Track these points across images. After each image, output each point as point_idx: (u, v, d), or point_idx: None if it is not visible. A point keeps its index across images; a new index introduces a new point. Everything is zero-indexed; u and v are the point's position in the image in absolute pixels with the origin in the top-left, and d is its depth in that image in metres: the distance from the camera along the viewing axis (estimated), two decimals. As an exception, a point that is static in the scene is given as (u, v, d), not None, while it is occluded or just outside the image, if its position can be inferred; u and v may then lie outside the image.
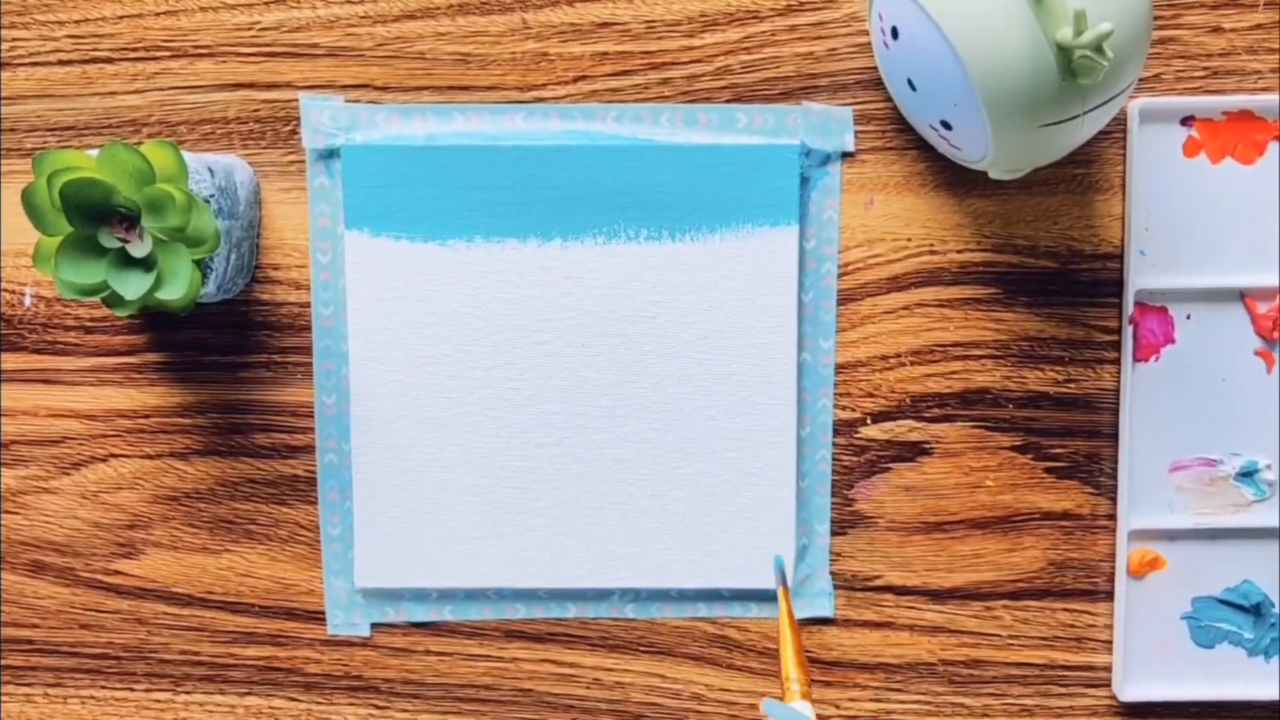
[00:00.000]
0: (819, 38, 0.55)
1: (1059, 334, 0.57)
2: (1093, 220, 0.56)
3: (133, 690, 0.59)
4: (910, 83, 0.50)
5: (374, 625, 0.58)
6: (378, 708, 0.59)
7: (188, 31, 0.56)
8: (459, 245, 0.56)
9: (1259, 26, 0.55)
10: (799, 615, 0.58)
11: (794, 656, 0.53)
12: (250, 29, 0.56)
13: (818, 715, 0.58)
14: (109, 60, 0.56)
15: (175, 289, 0.49)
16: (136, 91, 0.56)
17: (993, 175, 0.52)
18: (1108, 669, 0.58)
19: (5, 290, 0.57)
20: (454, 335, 0.56)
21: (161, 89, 0.56)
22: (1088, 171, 0.56)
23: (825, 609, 0.58)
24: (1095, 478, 0.57)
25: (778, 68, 0.56)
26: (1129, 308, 0.56)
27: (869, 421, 0.57)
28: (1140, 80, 0.54)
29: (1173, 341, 0.56)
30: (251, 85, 0.56)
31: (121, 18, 0.56)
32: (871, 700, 0.58)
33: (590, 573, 0.57)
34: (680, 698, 0.59)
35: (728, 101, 0.56)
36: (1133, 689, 0.57)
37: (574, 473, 0.57)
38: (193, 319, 0.57)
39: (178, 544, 0.58)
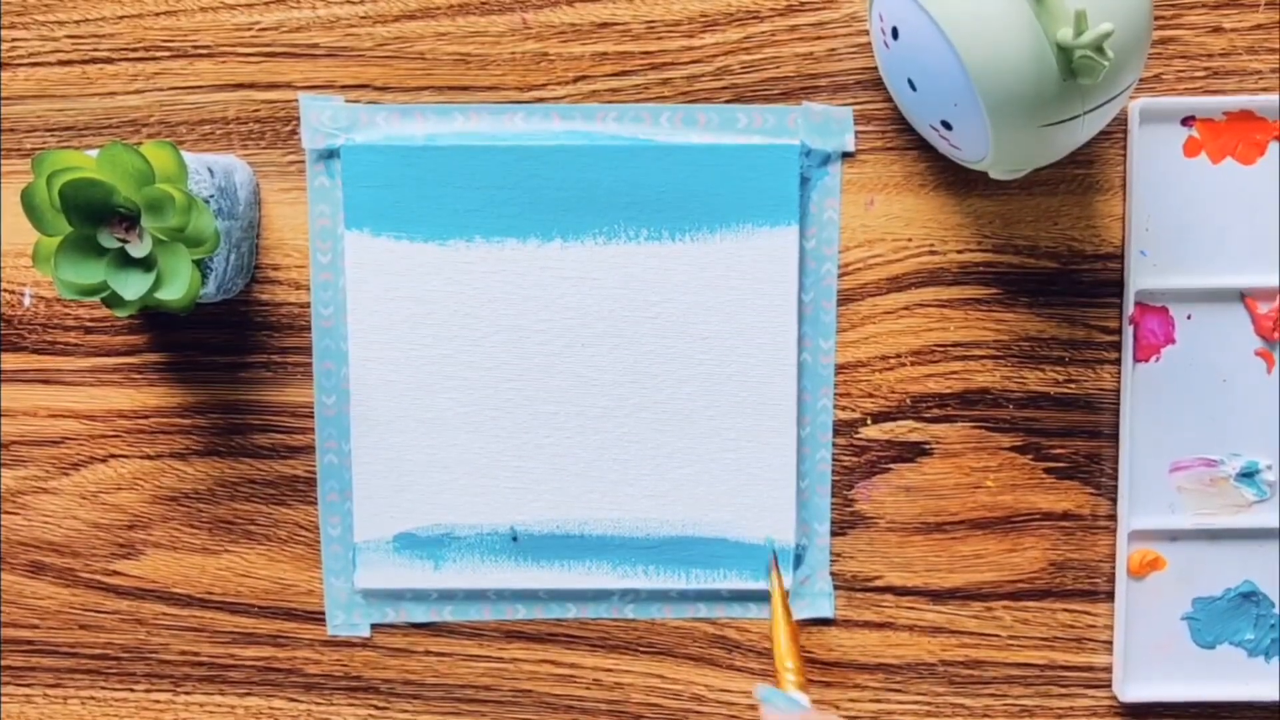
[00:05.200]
0: (819, 38, 0.55)
1: (1059, 334, 0.57)
2: (1093, 220, 0.56)
3: (132, 691, 0.59)
4: (910, 83, 0.50)
5: (374, 626, 0.58)
6: (377, 708, 0.59)
7: (188, 32, 0.56)
8: (459, 245, 0.55)
9: (1259, 26, 0.55)
10: (799, 616, 0.58)
11: (789, 645, 0.52)
12: (250, 29, 0.56)
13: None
14: (109, 60, 0.56)
15: (175, 289, 0.49)
16: (136, 92, 0.56)
17: (993, 175, 0.52)
18: (1108, 669, 0.58)
19: (5, 290, 0.57)
20: (454, 335, 0.56)
21: (161, 89, 0.56)
22: (1088, 172, 0.56)
23: (825, 609, 0.58)
24: (1096, 478, 0.57)
25: (778, 68, 0.56)
26: (1129, 308, 0.56)
27: (869, 422, 0.57)
28: (1141, 80, 0.54)
29: (1173, 342, 0.56)
30: (251, 85, 0.56)
31: (121, 18, 0.56)
32: (871, 701, 0.58)
33: (590, 574, 0.57)
34: (680, 698, 0.58)
35: (728, 102, 0.56)
36: (1133, 689, 0.57)
37: (573, 473, 0.57)
38: (192, 319, 0.57)
39: (177, 544, 0.58)
